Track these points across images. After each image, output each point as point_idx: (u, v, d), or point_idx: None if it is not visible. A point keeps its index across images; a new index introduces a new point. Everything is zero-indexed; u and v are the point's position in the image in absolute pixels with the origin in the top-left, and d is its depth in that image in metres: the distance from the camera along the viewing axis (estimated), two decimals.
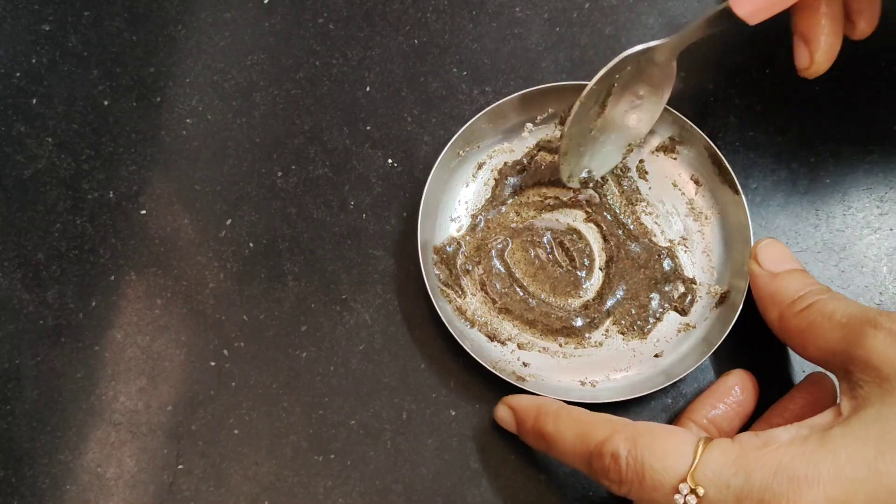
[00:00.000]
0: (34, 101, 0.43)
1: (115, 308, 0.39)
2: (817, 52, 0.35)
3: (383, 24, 0.44)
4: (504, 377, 0.36)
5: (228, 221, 0.41)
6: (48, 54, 0.44)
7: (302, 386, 0.38)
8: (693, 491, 0.29)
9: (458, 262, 0.39)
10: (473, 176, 0.41)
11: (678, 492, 0.29)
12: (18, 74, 0.43)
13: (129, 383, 0.38)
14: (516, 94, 0.40)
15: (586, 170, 0.40)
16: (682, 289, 0.39)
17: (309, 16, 0.45)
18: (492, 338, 0.39)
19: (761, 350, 0.37)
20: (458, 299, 0.39)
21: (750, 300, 0.36)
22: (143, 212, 0.41)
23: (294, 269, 0.40)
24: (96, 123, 0.42)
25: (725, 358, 0.38)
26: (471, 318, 0.39)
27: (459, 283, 0.39)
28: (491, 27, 0.44)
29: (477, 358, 0.36)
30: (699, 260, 0.39)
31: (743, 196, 0.38)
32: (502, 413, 0.36)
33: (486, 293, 0.39)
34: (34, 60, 0.43)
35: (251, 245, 0.40)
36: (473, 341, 0.38)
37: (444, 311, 0.38)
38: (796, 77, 0.38)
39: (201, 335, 0.39)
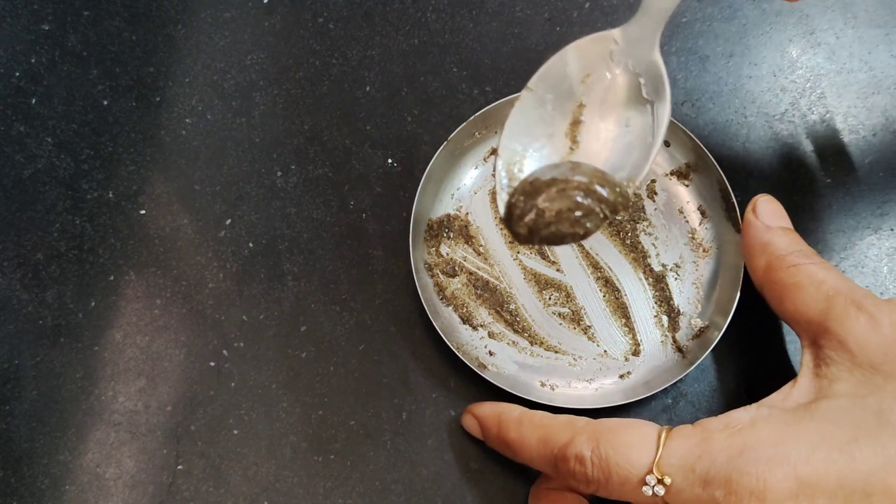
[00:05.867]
0: (34, 100, 0.43)
1: (114, 308, 0.39)
2: None
3: (383, 24, 0.44)
4: (467, 362, 0.36)
5: (228, 221, 0.41)
6: (47, 54, 0.43)
7: (302, 386, 0.38)
8: (660, 481, 0.29)
9: (443, 235, 0.39)
10: (485, 160, 0.41)
11: (646, 483, 0.29)
12: (18, 74, 0.43)
13: (128, 383, 0.38)
14: None
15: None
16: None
17: (309, 16, 0.45)
18: (465, 320, 0.39)
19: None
20: (441, 276, 0.39)
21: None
22: (143, 212, 0.41)
23: (294, 269, 0.40)
24: (96, 123, 0.42)
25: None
26: (449, 296, 0.39)
27: (440, 253, 0.39)
28: (491, 27, 0.44)
29: (444, 337, 0.36)
30: (687, 290, 0.39)
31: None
32: (468, 422, 0.36)
33: (469, 275, 0.39)
34: (34, 60, 0.43)
35: (251, 245, 0.40)
36: (445, 320, 0.38)
37: (425, 285, 0.38)
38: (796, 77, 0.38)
39: (201, 335, 0.39)
